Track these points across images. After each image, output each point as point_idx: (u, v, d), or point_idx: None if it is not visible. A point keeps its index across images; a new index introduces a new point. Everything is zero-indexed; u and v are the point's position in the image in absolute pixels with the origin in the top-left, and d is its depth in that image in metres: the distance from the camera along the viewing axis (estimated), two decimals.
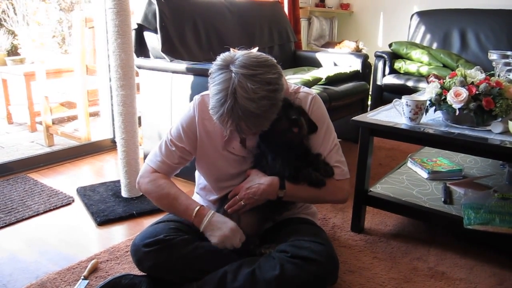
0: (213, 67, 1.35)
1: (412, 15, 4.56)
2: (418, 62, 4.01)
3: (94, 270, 1.73)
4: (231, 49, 1.52)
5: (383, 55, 4.12)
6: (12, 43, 5.57)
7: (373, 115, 2.01)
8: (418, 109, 1.84)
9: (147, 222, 2.10)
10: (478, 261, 1.86)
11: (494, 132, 1.75)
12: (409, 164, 2.47)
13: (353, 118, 1.97)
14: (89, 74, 3.37)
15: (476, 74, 1.84)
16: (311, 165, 1.54)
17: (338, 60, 3.51)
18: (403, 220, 2.20)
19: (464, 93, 1.73)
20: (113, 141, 3.23)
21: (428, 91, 1.88)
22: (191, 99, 1.96)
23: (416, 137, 1.86)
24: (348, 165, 1.63)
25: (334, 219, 2.20)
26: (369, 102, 3.80)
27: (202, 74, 2.37)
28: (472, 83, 1.78)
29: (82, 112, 3.38)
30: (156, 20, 2.62)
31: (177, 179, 2.56)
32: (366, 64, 3.41)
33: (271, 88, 1.31)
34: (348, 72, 3.24)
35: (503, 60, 2.27)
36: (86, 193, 2.44)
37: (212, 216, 1.47)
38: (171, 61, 2.59)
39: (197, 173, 1.75)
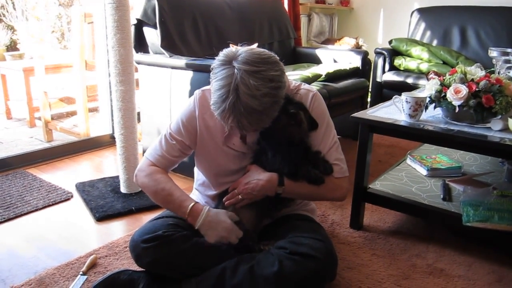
0: (216, 62, 1.34)
1: (412, 12, 4.55)
2: (418, 59, 4.01)
3: (93, 265, 1.73)
4: (230, 44, 1.51)
5: (383, 52, 4.12)
6: (11, 38, 5.55)
7: (372, 112, 2.01)
8: (418, 106, 1.83)
9: (146, 218, 2.10)
10: (476, 258, 1.86)
11: (494, 130, 1.75)
12: (408, 161, 2.47)
13: (353, 114, 1.97)
14: (88, 69, 3.36)
15: (476, 71, 1.83)
16: (311, 162, 1.53)
17: (338, 57, 3.51)
18: (402, 217, 2.21)
19: (464, 90, 1.72)
20: (112, 137, 3.22)
21: (428, 88, 1.87)
22: (190, 95, 1.96)
23: (416, 134, 1.86)
24: (347, 162, 1.63)
25: (333, 216, 2.20)
26: (368, 99, 3.80)
27: (202, 69, 2.37)
28: (472, 80, 1.78)
29: (81, 108, 3.38)
30: (156, 16, 2.61)
31: (176, 175, 2.56)
32: (366, 61, 3.40)
33: (273, 85, 1.31)
34: (347, 69, 3.23)
35: (503, 57, 2.27)
36: (85, 188, 2.44)
37: (207, 216, 1.46)
38: (170, 56, 2.58)
39: (196, 169, 1.75)
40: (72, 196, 2.37)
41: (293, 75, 2.79)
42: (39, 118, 3.68)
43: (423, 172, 2.30)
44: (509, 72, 2.22)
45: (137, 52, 2.75)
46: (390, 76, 3.99)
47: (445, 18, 4.32)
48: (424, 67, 3.87)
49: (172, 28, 2.67)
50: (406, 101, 1.84)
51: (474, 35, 4.15)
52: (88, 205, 2.25)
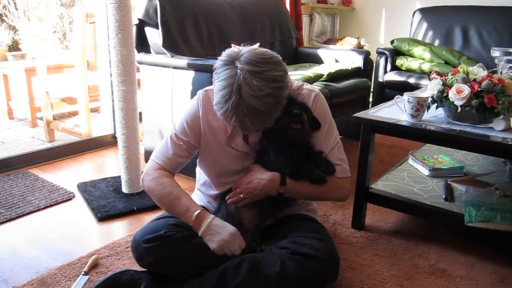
0: (218, 62, 1.34)
1: (414, 12, 4.54)
2: (420, 59, 4.00)
3: (95, 265, 1.73)
4: (232, 44, 1.51)
5: (385, 51, 4.12)
6: (13, 38, 5.56)
7: (374, 112, 2.01)
8: (420, 106, 1.83)
9: (148, 218, 2.10)
10: (479, 258, 1.86)
11: (496, 130, 1.74)
12: (410, 161, 2.47)
13: (355, 114, 1.97)
14: (90, 69, 3.37)
15: (478, 71, 1.83)
16: (313, 162, 1.53)
17: (339, 57, 3.51)
18: (404, 217, 2.20)
19: (466, 90, 1.72)
20: (113, 137, 3.23)
21: (430, 88, 1.87)
22: (192, 95, 1.96)
23: (418, 134, 1.86)
24: (349, 162, 1.63)
25: (334, 216, 2.20)
26: (370, 99, 3.79)
27: (203, 70, 2.37)
28: (474, 80, 1.78)
29: (83, 108, 3.38)
30: (157, 16, 2.61)
31: (178, 175, 2.53)
32: (367, 61, 3.40)
33: (276, 85, 1.30)
34: (349, 68, 3.23)
35: (506, 57, 2.26)
36: (86, 188, 2.44)
37: (212, 221, 1.44)
38: (172, 56, 2.58)
39: (197, 169, 1.75)
40: (74, 196, 2.37)
41: (295, 75, 2.79)
42: (41, 118, 3.69)
43: (425, 172, 2.30)
44: (511, 72, 2.21)
45: (139, 52, 2.75)
46: (392, 76, 3.99)
47: (447, 18, 4.31)
48: (426, 67, 3.87)
49: (174, 28, 2.67)
50: (408, 101, 1.84)
51: (476, 35, 4.14)
52: (90, 205, 2.25)
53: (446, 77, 1.86)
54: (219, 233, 1.43)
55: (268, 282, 1.33)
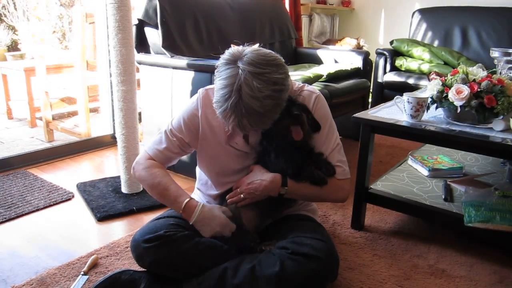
0: (221, 61, 1.35)
1: (414, 13, 4.55)
2: (419, 59, 4.01)
3: (94, 265, 1.73)
4: (232, 45, 1.51)
5: (384, 52, 4.12)
6: (12, 38, 5.56)
7: (374, 112, 2.01)
8: (420, 106, 1.83)
9: (147, 218, 2.10)
10: (478, 258, 1.86)
11: (496, 130, 1.74)
12: (409, 161, 2.47)
13: (354, 115, 1.97)
14: (89, 69, 3.37)
15: (478, 72, 1.83)
16: (313, 163, 1.54)
17: (339, 57, 3.51)
18: (403, 217, 2.20)
19: (465, 90, 1.72)
20: (113, 137, 3.23)
21: (429, 88, 1.87)
22: (191, 95, 1.96)
23: (417, 135, 1.86)
24: (349, 162, 1.63)
25: (334, 216, 2.20)
26: (370, 100, 3.79)
27: (203, 70, 2.37)
28: (474, 80, 1.78)
29: (82, 108, 3.38)
30: (157, 16, 2.61)
31: (178, 175, 2.56)
32: (367, 61, 3.40)
33: (276, 88, 1.31)
34: (349, 69, 3.23)
35: (505, 58, 2.27)
36: (86, 188, 2.44)
37: (201, 212, 1.47)
38: (171, 57, 2.58)
39: (197, 169, 1.75)
40: (73, 196, 2.37)
41: (294, 76, 2.79)
42: (40, 118, 3.68)
43: (425, 172, 2.30)
44: (511, 73, 2.21)
45: (138, 52, 2.75)
46: (391, 77, 3.99)
47: (446, 18, 4.32)
48: (425, 67, 3.87)
49: (174, 28, 2.67)
50: (408, 102, 1.84)
51: (476, 35, 4.15)
52: (89, 205, 2.25)
53: (446, 78, 1.86)
54: (209, 224, 1.47)
55: (268, 282, 1.33)
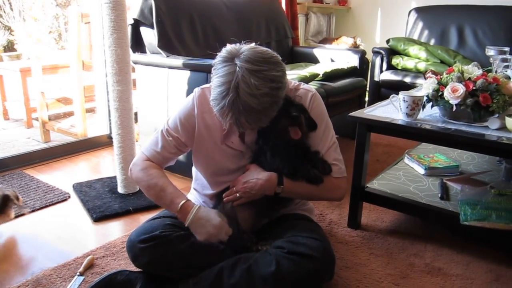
0: (218, 58, 1.34)
1: (410, 11, 4.55)
2: (416, 58, 4.01)
3: (90, 266, 1.72)
4: (227, 44, 1.51)
5: (381, 51, 4.12)
6: (8, 39, 5.53)
7: (370, 111, 2.01)
8: (415, 105, 1.83)
9: (144, 218, 2.09)
10: (474, 257, 1.86)
11: (491, 128, 1.75)
12: (406, 160, 2.47)
13: (350, 114, 1.97)
14: (85, 69, 3.35)
15: (473, 70, 1.83)
16: (309, 162, 1.53)
17: (335, 56, 3.51)
18: (399, 216, 2.20)
19: (461, 89, 1.72)
20: (109, 137, 3.22)
21: (425, 87, 1.87)
22: (187, 95, 1.95)
23: (413, 133, 1.86)
24: (345, 161, 1.63)
25: (331, 215, 2.20)
26: (366, 98, 3.80)
27: (199, 69, 2.37)
28: (469, 79, 1.78)
29: (79, 108, 3.37)
30: (153, 15, 2.60)
31: (174, 175, 2.55)
32: (363, 60, 3.40)
33: (274, 85, 1.30)
34: (345, 68, 3.23)
35: (501, 56, 2.27)
36: (82, 189, 2.43)
37: (197, 213, 1.46)
38: (167, 56, 2.57)
39: (194, 169, 1.74)
40: (69, 197, 2.37)
41: (291, 75, 2.79)
42: (36, 119, 3.67)
43: (421, 171, 2.30)
44: (506, 71, 2.21)
45: (134, 52, 2.74)
46: (387, 75, 4.00)
47: (443, 17, 4.32)
48: (421, 66, 3.87)
49: (169, 28, 2.66)
50: (404, 100, 1.84)
51: (472, 34, 4.15)
52: (86, 205, 2.25)
53: (441, 76, 1.86)
54: (204, 225, 1.45)
55: (264, 281, 1.33)
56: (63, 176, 2.67)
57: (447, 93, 1.75)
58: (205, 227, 1.45)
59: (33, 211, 2.20)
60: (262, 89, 1.27)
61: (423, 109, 1.89)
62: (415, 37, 4.41)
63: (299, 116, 1.44)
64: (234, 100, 1.27)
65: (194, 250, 1.44)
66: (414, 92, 1.91)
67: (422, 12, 4.47)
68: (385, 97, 2.41)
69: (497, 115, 1.76)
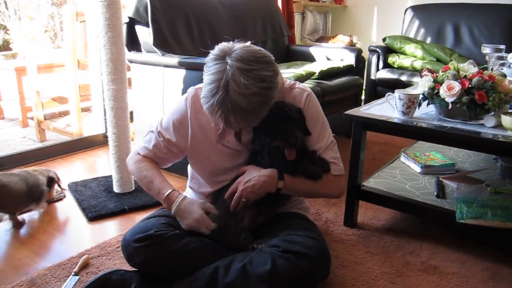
0: (210, 56, 1.34)
1: (406, 10, 4.55)
2: (412, 56, 4.01)
3: (85, 266, 1.72)
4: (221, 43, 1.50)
5: (377, 49, 4.12)
6: (3, 38, 5.51)
7: (365, 109, 2.01)
8: (411, 103, 1.83)
9: (139, 218, 2.08)
10: (470, 255, 1.86)
11: (487, 126, 1.75)
12: (402, 158, 2.47)
13: (346, 112, 1.96)
14: (80, 68, 3.34)
15: (469, 68, 1.83)
16: (308, 160, 1.53)
17: (331, 55, 3.50)
18: (395, 214, 2.20)
19: (457, 86, 1.72)
20: (105, 136, 3.20)
21: (421, 85, 1.87)
22: (183, 93, 1.94)
23: (409, 131, 1.86)
24: (342, 159, 1.62)
25: (327, 214, 2.20)
26: (362, 97, 3.79)
27: (194, 68, 2.36)
28: (465, 76, 1.78)
29: (74, 107, 3.36)
30: (148, 14, 2.59)
31: (170, 174, 2.55)
32: (359, 59, 3.40)
33: (264, 85, 1.30)
34: (341, 66, 3.22)
35: (496, 54, 2.27)
36: (77, 188, 2.42)
37: (180, 205, 1.48)
38: (163, 55, 2.57)
39: (189, 168, 1.74)
40: (64, 196, 2.36)
41: (287, 73, 2.78)
42: (32, 118, 3.66)
43: (417, 169, 2.30)
44: (502, 69, 2.22)
45: (129, 50, 2.73)
46: (384, 74, 3.99)
47: (439, 15, 4.32)
48: (418, 64, 3.87)
49: (165, 27, 2.65)
50: (399, 98, 1.84)
51: (468, 32, 4.16)
52: (81, 205, 2.24)
53: (437, 74, 1.86)
54: (186, 217, 1.48)
55: (259, 280, 1.33)
56: (58, 175, 2.65)
57: (443, 91, 1.75)
58: (186, 219, 1.47)
59: (28, 210, 2.18)
60: (251, 88, 1.27)
61: (419, 107, 1.89)
62: (411, 35, 4.41)
63: (296, 143, 1.44)
64: (223, 98, 1.27)
65: (189, 249, 1.44)
66: (409, 90, 1.91)
67: (418, 10, 4.47)
68: (382, 95, 2.41)
69: (492, 113, 1.75)
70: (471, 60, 1.95)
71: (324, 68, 3.04)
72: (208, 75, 1.31)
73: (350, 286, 1.63)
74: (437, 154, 2.45)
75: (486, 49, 2.35)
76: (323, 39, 5.04)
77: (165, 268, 1.45)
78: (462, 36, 4.18)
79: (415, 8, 4.50)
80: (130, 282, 1.47)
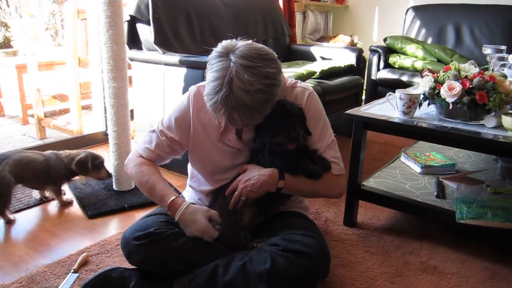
0: (213, 53, 1.33)
1: (407, 10, 4.55)
2: (413, 56, 4.01)
3: (85, 263, 1.72)
4: (224, 41, 1.50)
5: (378, 49, 4.12)
6: (4, 35, 5.51)
7: (366, 109, 2.01)
8: (412, 103, 1.83)
9: (139, 215, 2.08)
10: (470, 255, 1.86)
11: (487, 127, 1.75)
12: (402, 158, 2.47)
13: (346, 111, 1.96)
14: (81, 66, 3.34)
15: (470, 68, 1.83)
16: (309, 159, 1.53)
17: (332, 54, 3.50)
18: (395, 214, 2.20)
19: (457, 87, 1.72)
20: (105, 134, 3.20)
21: (422, 85, 1.87)
22: (184, 92, 1.95)
23: (409, 131, 1.85)
24: (342, 159, 1.62)
25: (327, 213, 2.20)
26: (363, 97, 3.79)
27: (195, 66, 2.36)
28: (466, 77, 1.78)
29: (74, 105, 3.35)
30: (149, 12, 2.59)
31: (170, 172, 2.55)
32: (360, 59, 3.40)
33: (268, 82, 1.30)
34: (342, 66, 3.23)
35: (497, 55, 2.27)
36: (77, 186, 2.42)
37: (184, 213, 1.46)
38: (164, 53, 2.57)
39: (189, 166, 1.74)
40: (64, 194, 2.35)
41: (288, 72, 2.78)
42: (32, 116, 3.65)
43: (417, 169, 2.30)
44: (503, 69, 2.21)
45: (130, 48, 2.73)
46: (384, 74, 3.99)
47: (440, 16, 4.32)
48: (418, 64, 3.87)
49: (166, 25, 2.65)
50: (400, 98, 1.84)
51: (469, 32, 4.16)
52: (81, 202, 2.24)
53: (438, 74, 1.86)
54: (189, 226, 1.46)
55: (259, 279, 1.33)
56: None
57: (443, 91, 1.75)
58: (190, 228, 1.45)
59: (27, 208, 2.19)
60: (255, 85, 1.27)
61: (419, 107, 1.89)
62: (413, 35, 4.41)
63: (298, 138, 1.44)
64: (227, 95, 1.27)
65: (188, 247, 1.44)
66: (410, 90, 1.91)
67: (420, 10, 4.47)
68: (382, 95, 2.40)
69: (493, 113, 1.75)
70: (472, 61, 1.94)
71: (325, 67, 3.04)
72: (211, 72, 1.31)
73: (349, 286, 1.63)
74: (437, 155, 2.45)
75: (487, 50, 2.35)
76: (324, 38, 5.04)
77: (164, 266, 1.44)
78: (463, 36, 4.18)
79: (416, 9, 4.50)
80: (130, 279, 1.47)
